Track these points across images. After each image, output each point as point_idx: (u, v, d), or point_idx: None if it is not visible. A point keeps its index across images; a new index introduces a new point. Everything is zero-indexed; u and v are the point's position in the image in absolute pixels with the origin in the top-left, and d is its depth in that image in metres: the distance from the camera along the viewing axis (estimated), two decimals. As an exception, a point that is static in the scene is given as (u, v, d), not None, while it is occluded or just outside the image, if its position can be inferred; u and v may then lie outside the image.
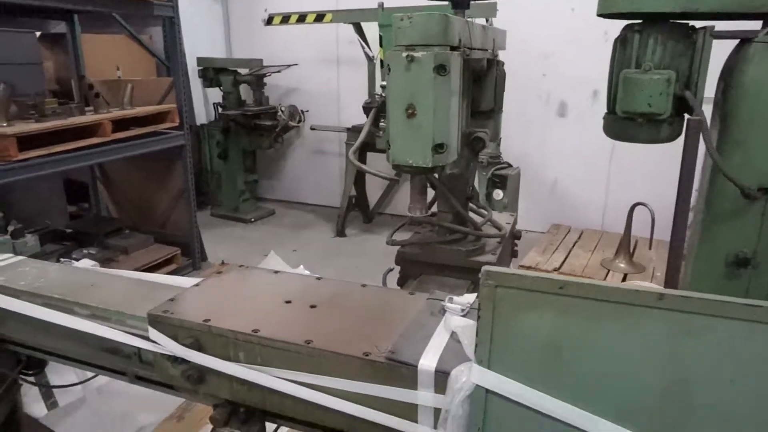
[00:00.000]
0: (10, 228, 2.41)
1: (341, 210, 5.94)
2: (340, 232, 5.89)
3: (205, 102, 6.96)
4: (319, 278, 1.48)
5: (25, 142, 3.35)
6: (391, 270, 2.02)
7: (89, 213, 5.40)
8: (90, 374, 1.99)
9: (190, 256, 4.72)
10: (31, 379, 1.99)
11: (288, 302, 1.34)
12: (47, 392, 2.63)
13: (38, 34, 5.84)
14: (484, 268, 0.96)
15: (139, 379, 1.47)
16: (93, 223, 4.87)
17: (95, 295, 1.52)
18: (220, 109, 6.41)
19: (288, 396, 1.18)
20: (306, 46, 6.59)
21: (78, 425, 2.54)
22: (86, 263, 2.01)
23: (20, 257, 1.83)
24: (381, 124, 1.64)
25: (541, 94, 5.66)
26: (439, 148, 1.26)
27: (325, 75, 6.68)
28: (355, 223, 6.23)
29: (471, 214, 1.81)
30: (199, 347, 1.24)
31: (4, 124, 3.43)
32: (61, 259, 2.55)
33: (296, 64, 6.38)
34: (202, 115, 6.92)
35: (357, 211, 6.31)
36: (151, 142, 4.27)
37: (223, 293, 1.41)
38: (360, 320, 1.25)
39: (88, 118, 3.83)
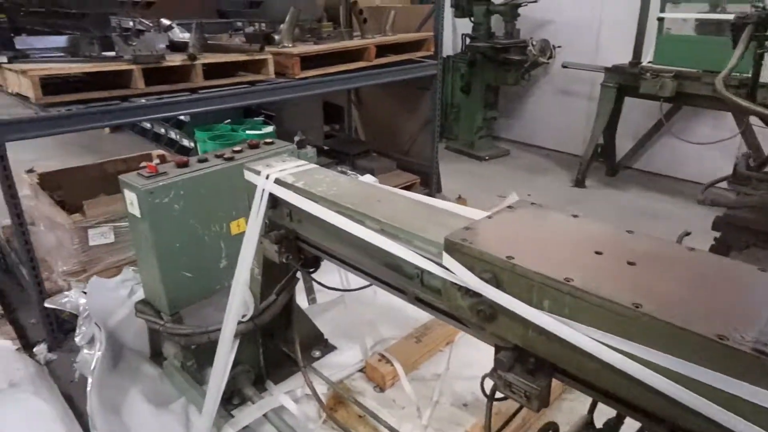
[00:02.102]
0: (296, 138, 2.66)
1: (584, 158, 5.45)
2: (580, 182, 5.44)
3: (453, 33, 6.88)
4: (629, 231, 1.26)
5: (304, 62, 3.66)
6: (687, 234, 1.70)
7: (341, 134, 5.88)
8: (354, 283, 2.12)
9: (427, 186, 4.84)
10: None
11: (598, 253, 1.16)
12: (310, 288, 2.96)
13: (315, -37, 6.31)
14: None
15: (419, 301, 1.47)
16: (345, 143, 5.28)
17: (383, 210, 1.55)
18: (467, 41, 6.28)
19: (594, 359, 1.03)
20: (569, -27, 5.99)
21: (331, 322, 2.82)
22: (369, 179, 2.13)
23: (313, 165, 1.97)
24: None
25: None
26: None
27: (586, 5, 6.01)
28: (596, 175, 5.69)
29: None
30: (497, 284, 1.16)
31: (290, 45, 3.80)
32: (349, 173, 2.79)
33: (556, -7, 5.84)
34: (448, 46, 6.87)
35: (600, 161, 5.73)
36: (407, 69, 4.34)
37: (521, 230, 1.29)
38: (698, 291, 1.02)
39: (357, 42, 4.03)
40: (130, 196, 2.15)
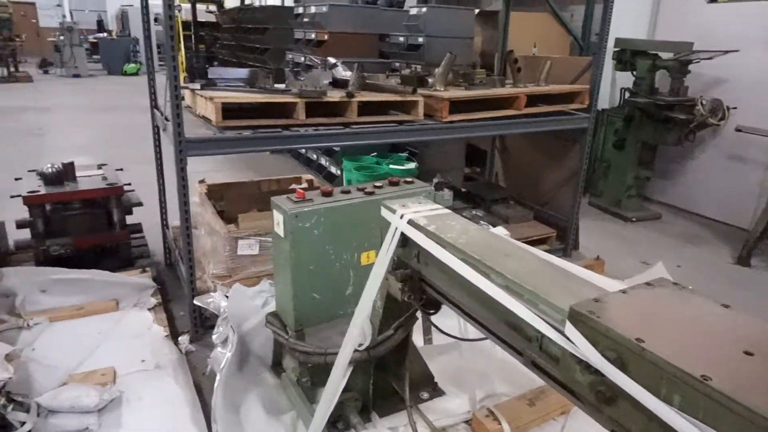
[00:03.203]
0: (435, 180, 2.73)
1: (752, 233, 4.82)
2: (743, 260, 4.81)
3: (611, 86, 6.60)
4: (793, 334, 1.10)
5: (453, 105, 3.76)
6: None
7: (481, 178, 5.89)
8: (472, 331, 2.09)
9: (563, 241, 4.63)
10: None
11: (748, 354, 1.03)
12: (428, 329, 2.97)
13: (476, 11, 6.51)
14: None
15: (535, 366, 1.41)
16: (484, 188, 5.26)
17: (510, 266, 1.53)
18: (626, 95, 5.97)
19: (730, 474, 0.91)
20: (753, 27, 5.45)
21: (444, 366, 2.80)
22: (501, 231, 2.13)
23: (447, 210, 2.01)
24: None
25: None
26: None
27: (774, 66, 5.41)
28: (767, 254, 5.00)
29: None
30: (621, 366, 1.08)
31: (442, 89, 3.93)
32: (481, 223, 2.81)
33: (737, 50, 5.33)
34: (604, 99, 6.60)
35: (773, 239, 5.03)
36: (557, 120, 4.25)
37: (657, 312, 1.20)
38: None
39: (508, 90, 4.04)
40: (277, 217, 2.37)
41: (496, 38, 6.12)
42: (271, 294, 2.91)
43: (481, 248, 1.65)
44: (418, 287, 1.89)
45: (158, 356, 2.90)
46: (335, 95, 3.34)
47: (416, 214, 1.92)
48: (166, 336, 3.12)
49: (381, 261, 1.95)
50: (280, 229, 2.37)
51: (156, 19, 20.39)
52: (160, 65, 20.24)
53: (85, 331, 3.09)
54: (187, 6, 12.88)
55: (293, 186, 4.64)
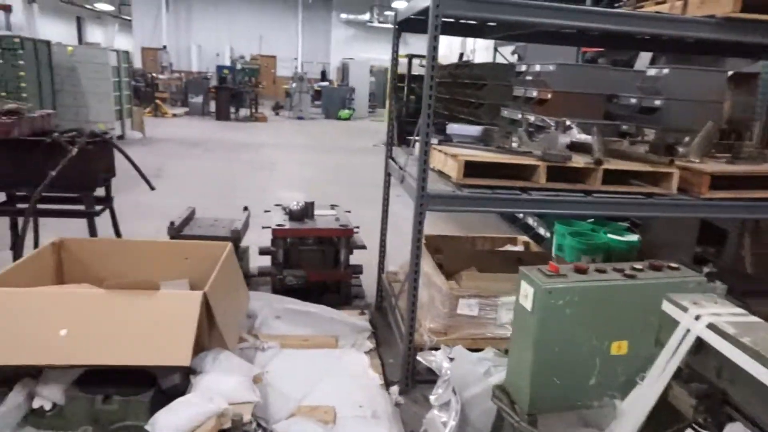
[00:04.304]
0: (705, 270, 2.35)
1: None
2: None
3: None
4: None
5: (714, 180, 3.28)
6: None
7: (719, 261, 5.07)
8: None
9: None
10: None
11: None
12: (676, 442, 2.52)
13: (729, 73, 5.79)
14: None
15: None
16: (728, 274, 4.49)
17: None
18: None
19: None
20: None
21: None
22: None
23: (756, 318, 1.66)
24: None
25: None
26: None
27: None
28: None
29: None
30: None
31: (697, 161, 3.47)
32: None
33: None
34: None
35: None
36: None
37: None
38: None
39: (787, 167, 3.42)
40: (526, 290, 2.22)
41: (751, 103, 5.36)
42: (494, 364, 2.75)
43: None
44: (718, 408, 1.56)
45: (374, 404, 2.92)
46: (579, 161, 3.14)
47: (717, 318, 1.61)
48: (381, 384, 3.15)
49: (662, 366, 1.67)
50: (527, 303, 2.22)
51: (371, 71, 22.26)
52: (369, 112, 22.16)
53: (309, 363, 3.27)
54: (403, 60, 13.88)
55: (508, 247, 4.50)
